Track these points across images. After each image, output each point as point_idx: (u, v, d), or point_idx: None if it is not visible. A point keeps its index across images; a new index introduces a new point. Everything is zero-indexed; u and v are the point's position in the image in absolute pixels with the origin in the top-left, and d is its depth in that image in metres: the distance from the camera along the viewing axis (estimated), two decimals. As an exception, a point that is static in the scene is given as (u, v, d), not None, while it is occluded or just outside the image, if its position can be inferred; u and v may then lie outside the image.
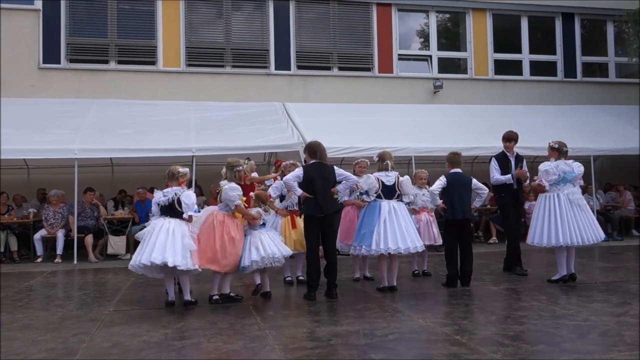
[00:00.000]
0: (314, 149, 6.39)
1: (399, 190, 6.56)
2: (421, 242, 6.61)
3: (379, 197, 6.50)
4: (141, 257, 5.72)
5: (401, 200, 6.59)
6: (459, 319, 5.15)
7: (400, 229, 6.35)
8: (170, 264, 5.61)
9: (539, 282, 6.96)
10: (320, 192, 6.14)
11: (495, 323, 4.95)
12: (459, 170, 6.96)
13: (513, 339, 4.44)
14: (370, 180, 6.50)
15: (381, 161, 6.68)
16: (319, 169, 6.23)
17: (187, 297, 5.94)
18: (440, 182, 6.80)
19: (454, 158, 7.03)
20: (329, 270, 6.20)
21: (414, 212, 7.46)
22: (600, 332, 4.60)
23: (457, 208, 6.74)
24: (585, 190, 12.20)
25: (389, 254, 6.35)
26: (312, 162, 6.34)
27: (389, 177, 6.54)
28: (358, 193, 6.72)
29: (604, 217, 12.09)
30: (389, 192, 6.51)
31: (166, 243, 5.67)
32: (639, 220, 12.98)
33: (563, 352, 4.11)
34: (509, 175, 7.59)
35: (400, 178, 6.60)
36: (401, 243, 6.29)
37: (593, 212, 11.37)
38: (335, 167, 6.39)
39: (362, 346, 4.36)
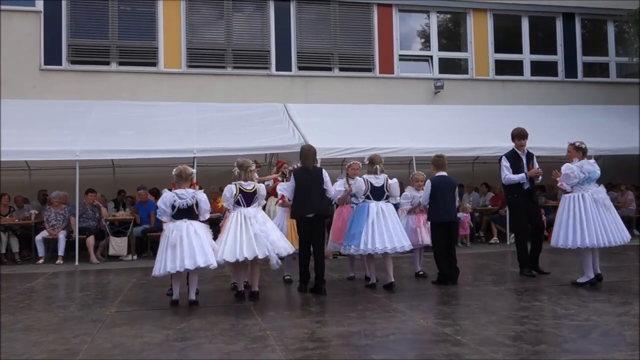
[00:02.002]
0: (300, 154, 6.83)
1: (387, 191, 6.80)
2: (409, 241, 6.78)
3: (367, 198, 6.75)
4: (183, 262, 5.71)
5: (389, 201, 6.84)
6: (460, 319, 5.16)
7: (388, 230, 6.59)
8: (211, 267, 5.86)
9: (539, 282, 6.96)
10: (307, 194, 6.55)
11: (496, 323, 4.95)
12: (444, 173, 7.13)
13: (514, 339, 4.44)
14: (358, 184, 6.81)
15: (371, 164, 6.93)
16: (305, 173, 6.65)
17: (194, 297, 6.01)
18: (427, 189, 7.05)
19: (439, 161, 7.20)
20: (317, 268, 6.54)
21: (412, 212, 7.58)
22: (602, 332, 4.59)
23: (442, 210, 6.95)
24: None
25: (377, 253, 6.62)
26: (300, 166, 6.79)
27: (378, 180, 6.80)
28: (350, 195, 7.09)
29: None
30: (378, 193, 6.76)
31: (204, 247, 5.84)
32: (639, 220, 12.97)
33: (564, 352, 4.12)
34: (523, 175, 7.36)
35: (389, 180, 6.85)
36: (388, 243, 6.52)
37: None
38: (324, 173, 6.76)
39: (363, 347, 4.37)
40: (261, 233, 5.97)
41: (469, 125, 12.29)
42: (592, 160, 6.79)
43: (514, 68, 14.92)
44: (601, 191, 6.61)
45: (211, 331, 4.91)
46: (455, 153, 11.29)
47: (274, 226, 6.36)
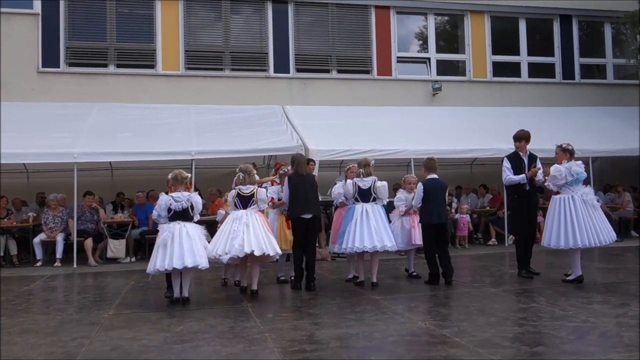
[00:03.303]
0: (292, 161, 7.31)
1: (374, 193, 7.09)
2: (393, 242, 7.02)
3: (356, 200, 7.11)
4: (171, 262, 5.98)
5: (376, 203, 7.13)
6: (458, 321, 5.16)
7: (370, 229, 6.89)
8: (200, 267, 6.11)
9: (538, 283, 6.97)
10: (303, 197, 6.97)
11: (494, 325, 4.95)
12: (435, 175, 7.28)
13: (512, 340, 4.44)
14: (347, 187, 7.25)
15: (359, 168, 7.31)
16: (298, 178, 7.08)
17: (187, 294, 6.28)
18: (419, 192, 7.17)
19: (430, 163, 7.36)
20: (308, 266, 7.00)
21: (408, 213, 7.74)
22: (600, 333, 4.60)
23: (433, 212, 7.10)
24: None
25: (356, 251, 6.99)
26: (292, 172, 7.21)
27: (365, 182, 7.12)
28: (343, 197, 7.43)
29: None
30: (365, 195, 7.09)
31: (193, 248, 6.10)
32: (638, 222, 12.99)
33: (562, 353, 4.12)
34: (523, 175, 7.35)
35: (377, 183, 7.14)
36: (367, 242, 6.83)
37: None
38: (315, 178, 7.26)
39: (361, 348, 4.37)
40: (235, 234, 6.30)
41: (466, 127, 12.31)
42: (580, 162, 6.94)
43: (512, 70, 14.94)
44: (589, 192, 6.84)
45: (209, 333, 4.91)
46: (453, 155, 11.32)
47: (259, 226, 6.48)
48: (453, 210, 11.45)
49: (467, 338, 4.51)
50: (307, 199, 7.00)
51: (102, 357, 4.32)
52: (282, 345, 4.45)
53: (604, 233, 6.71)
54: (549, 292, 6.39)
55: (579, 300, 5.92)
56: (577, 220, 6.63)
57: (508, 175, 7.47)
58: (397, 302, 6.12)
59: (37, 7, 12.46)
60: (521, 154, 7.60)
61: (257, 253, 6.28)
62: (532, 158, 7.59)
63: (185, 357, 4.30)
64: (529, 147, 7.69)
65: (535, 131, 11.62)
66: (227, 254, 6.26)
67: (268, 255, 6.40)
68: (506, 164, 7.57)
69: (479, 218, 12.46)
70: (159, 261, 6.05)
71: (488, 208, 12.40)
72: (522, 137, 7.64)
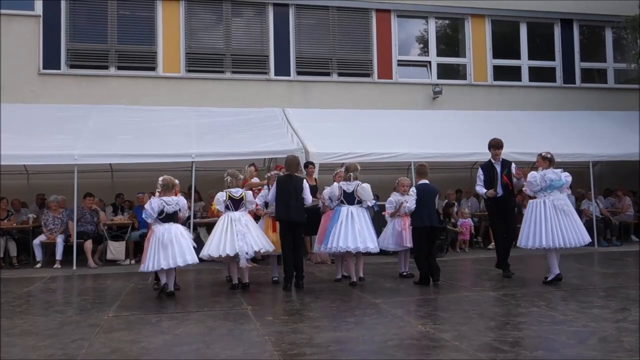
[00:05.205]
0: (285, 164, 7.56)
1: (357, 196, 7.43)
2: (376, 244, 7.41)
3: (342, 203, 7.46)
4: (175, 260, 6.58)
5: (361, 206, 7.47)
6: (458, 324, 5.15)
7: (354, 231, 7.25)
8: (192, 263, 6.78)
9: (537, 287, 6.97)
10: (285, 200, 7.19)
11: (494, 329, 4.95)
12: (426, 181, 7.57)
13: (512, 345, 4.44)
14: (333, 189, 7.59)
15: (346, 172, 7.65)
16: (287, 181, 7.31)
17: (172, 287, 6.87)
18: (413, 196, 7.45)
19: (422, 169, 7.68)
20: (296, 265, 7.23)
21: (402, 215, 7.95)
22: (599, 338, 4.60)
23: (424, 216, 7.34)
24: (584, 196, 12.25)
25: (340, 251, 7.30)
26: (285, 174, 7.47)
27: (350, 186, 7.49)
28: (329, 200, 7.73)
29: (604, 222, 12.09)
30: (350, 198, 7.47)
31: (190, 246, 6.76)
32: (638, 226, 12.98)
33: (562, 358, 4.12)
34: (484, 191, 7.94)
35: (359, 185, 7.46)
36: (351, 243, 7.19)
37: (592, 218, 11.46)
38: (304, 182, 7.42)
39: (361, 352, 4.36)
40: (241, 235, 6.91)
41: (467, 131, 12.30)
42: (559, 170, 7.31)
43: (512, 74, 14.93)
44: (561, 198, 7.18)
45: (209, 336, 4.90)
46: (453, 158, 11.34)
47: (255, 226, 7.26)
48: (454, 213, 11.49)
49: (466, 342, 4.51)
50: (289, 204, 7.19)
51: (101, 359, 4.32)
52: (281, 348, 4.45)
53: (572, 236, 7.07)
54: (548, 296, 6.39)
55: (579, 304, 5.91)
56: (545, 222, 7.04)
57: (477, 185, 8.14)
58: (396, 305, 6.12)
59: (38, 8, 12.48)
60: (494, 161, 8.04)
61: (262, 251, 7.14)
62: (505, 164, 8.00)
63: (184, 360, 4.31)
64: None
65: (535, 135, 11.72)
66: (246, 253, 6.90)
67: (264, 251, 7.23)
68: (479, 173, 8.13)
69: (479, 222, 12.45)
70: (162, 260, 6.56)
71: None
72: (491, 146, 8.10)
